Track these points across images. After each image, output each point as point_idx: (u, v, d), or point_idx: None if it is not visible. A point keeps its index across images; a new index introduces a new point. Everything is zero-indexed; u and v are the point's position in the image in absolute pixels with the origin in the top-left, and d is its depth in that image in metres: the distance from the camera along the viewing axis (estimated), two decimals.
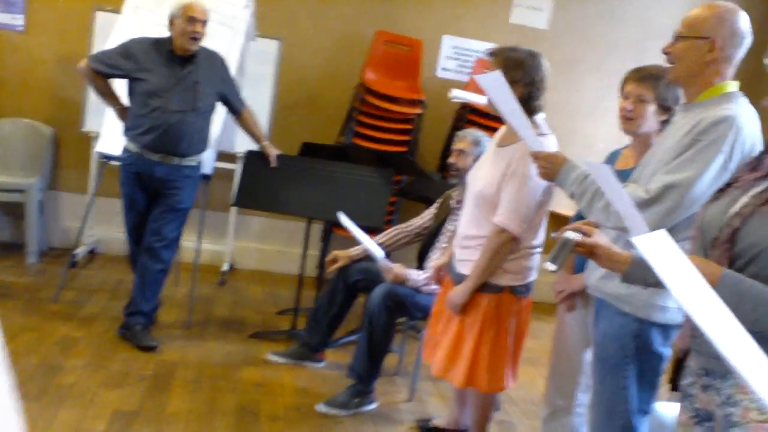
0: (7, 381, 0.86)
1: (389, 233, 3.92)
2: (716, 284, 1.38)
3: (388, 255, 3.75)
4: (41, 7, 5.23)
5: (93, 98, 4.49)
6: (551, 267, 1.74)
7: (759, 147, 1.99)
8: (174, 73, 3.79)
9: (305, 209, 4.20)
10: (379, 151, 4.90)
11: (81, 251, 5.14)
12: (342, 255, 3.84)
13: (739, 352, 1.12)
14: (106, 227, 5.36)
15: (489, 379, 2.79)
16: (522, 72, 2.69)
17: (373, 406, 3.53)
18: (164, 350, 3.82)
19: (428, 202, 4.08)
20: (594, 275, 2.29)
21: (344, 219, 3.66)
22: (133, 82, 3.82)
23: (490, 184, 2.76)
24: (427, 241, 3.79)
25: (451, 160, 3.50)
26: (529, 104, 2.70)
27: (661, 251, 1.20)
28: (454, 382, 2.85)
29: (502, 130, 2.89)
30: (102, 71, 3.83)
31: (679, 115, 2.20)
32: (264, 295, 5.16)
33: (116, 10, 4.68)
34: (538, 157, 2.35)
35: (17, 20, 5.21)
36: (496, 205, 2.73)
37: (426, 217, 3.90)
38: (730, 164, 2.00)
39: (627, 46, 5.80)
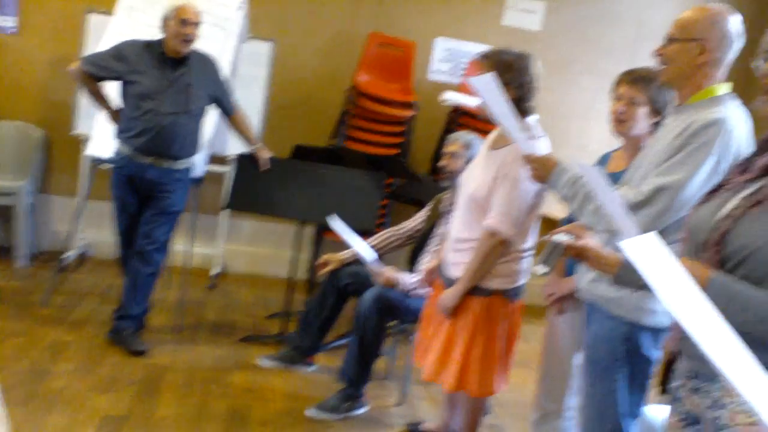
0: None
1: (380, 236, 3.90)
2: (706, 286, 1.38)
3: (379, 258, 3.73)
4: (34, 9, 5.21)
5: (84, 101, 4.47)
6: (542, 270, 1.74)
7: (749, 149, 1.98)
8: (166, 76, 3.77)
9: (297, 212, 4.19)
10: (371, 153, 4.89)
11: (71, 255, 5.11)
12: (333, 258, 3.83)
13: (726, 355, 1.11)
14: (96, 231, 5.33)
15: (479, 382, 2.78)
16: (512, 74, 2.68)
17: (363, 410, 3.51)
18: (154, 354, 3.80)
19: (420, 205, 4.07)
20: (584, 278, 2.29)
21: (335, 222, 3.65)
22: (125, 84, 3.80)
23: (481, 186, 2.75)
24: (418, 244, 3.78)
25: (443, 162, 3.49)
26: (521, 106, 2.69)
27: (649, 254, 1.19)
28: (445, 386, 2.84)
29: (495, 132, 2.88)
30: (94, 73, 3.81)
31: (671, 118, 2.21)
32: (254, 298, 5.14)
33: (108, 12, 4.67)
34: (529, 159, 2.35)
35: (9, 22, 5.19)
36: (488, 208, 2.72)
37: (417, 220, 3.88)
38: (720, 166, 2.01)
39: (619, 48, 5.81)
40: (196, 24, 3.77)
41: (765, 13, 5.64)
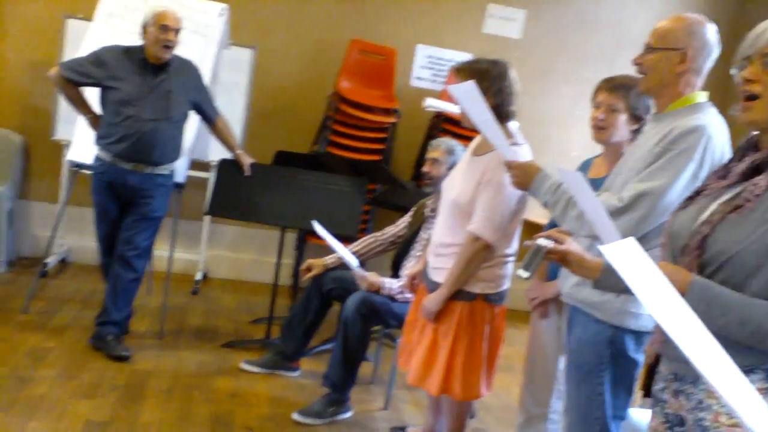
0: None
1: (363, 242, 3.92)
2: (686, 291, 1.40)
3: (362, 263, 3.75)
4: (12, 15, 5.18)
5: (64, 106, 4.45)
6: (524, 274, 1.76)
7: (728, 155, 2.03)
8: (147, 82, 3.77)
9: (279, 218, 4.19)
10: (354, 159, 4.91)
11: (52, 261, 5.07)
12: (316, 263, 3.84)
13: (707, 358, 1.14)
14: (77, 236, 5.31)
15: (464, 386, 2.80)
16: (488, 82, 2.71)
17: (348, 415, 3.52)
18: (137, 360, 3.78)
19: (403, 211, 4.09)
20: (568, 283, 2.30)
21: (318, 227, 3.66)
22: (105, 90, 3.79)
23: (464, 192, 2.77)
24: (401, 249, 3.80)
25: (425, 168, 3.52)
26: (501, 111, 2.71)
27: (630, 259, 1.22)
28: (430, 390, 2.85)
29: (478, 139, 2.90)
30: (73, 79, 3.79)
31: (650, 125, 2.24)
32: (237, 304, 5.13)
33: (88, 18, 4.65)
34: (511, 166, 2.37)
35: None
36: (471, 214, 2.74)
37: (400, 225, 3.91)
38: (700, 173, 2.04)
39: (599, 56, 5.88)
40: (176, 30, 3.77)
41: (740, 22, 5.74)
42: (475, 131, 2.71)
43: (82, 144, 4.25)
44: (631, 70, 2.27)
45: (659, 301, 1.18)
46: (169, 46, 3.76)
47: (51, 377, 3.45)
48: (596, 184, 2.37)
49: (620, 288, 1.62)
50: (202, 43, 4.51)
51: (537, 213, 4.31)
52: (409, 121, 5.50)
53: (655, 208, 2.05)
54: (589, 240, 2.12)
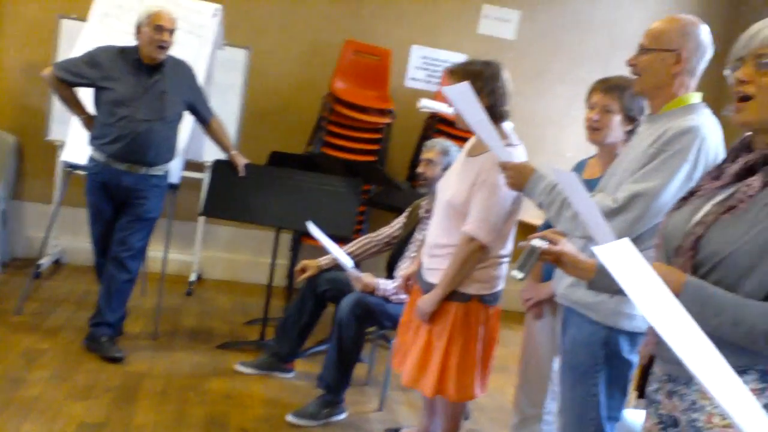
0: None
1: (358, 242, 3.92)
2: (680, 291, 1.41)
3: (357, 264, 3.75)
4: (6, 15, 5.17)
5: (58, 106, 4.43)
6: (518, 275, 1.75)
7: (722, 156, 2.03)
8: (141, 82, 3.76)
9: (274, 219, 4.19)
10: (348, 160, 4.90)
11: (45, 262, 5.06)
12: (311, 264, 3.84)
13: (700, 359, 1.14)
14: (71, 237, 5.30)
15: (458, 387, 2.80)
16: (481, 83, 2.71)
17: (343, 416, 3.52)
18: (131, 361, 3.77)
19: (397, 212, 4.09)
20: (562, 283, 2.30)
21: (313, 228, 3.66)
22: (99, 90, 3.78)
23: (459, 193, 2.77)
24: (396, 250, 3.80)
25: (420, 169, 3.52)
26: (495, 112, 2.72)
27: (623, 260, 1.22)
28: (424, 391, 2.85)
29: (473, 139, 2.91)
30: (67, 80, 3.78)
31: (644, 126, 2.24)
32: (232, 305, 5.13)
33: (82, 18, 4.64)
34: (506, 167, 2.36)
35: None
36: (466, 214, 2.74)
37: (395, 226, 3.91)
38: (695, 173, 2.04)
39: (594, 56, 5.89)
40: (171, 30, 3.76)
41: (733, 23, 5.75)
42: (469, 132, 2.71)
43: (76, 144, 4.23)
44: (625, 71, 2.27)
45: (653, 302, 1.18)
46: (163, 47, 3.76)
47: (45, 379, 3.44)
48: (591, 184, 2.38)
49: (614, 289, 1.61)
50: (197, 43, 4.51)
51: (531, 214, 4.31)
52: (403, 122, 5.51)
53: (650, 209, 2.05)
54: (584, 241, 2.12)
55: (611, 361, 2.19)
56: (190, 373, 3.77)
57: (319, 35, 5.59)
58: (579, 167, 2.90)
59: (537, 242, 1.77)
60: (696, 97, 2.16)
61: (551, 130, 5.91)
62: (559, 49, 5.93)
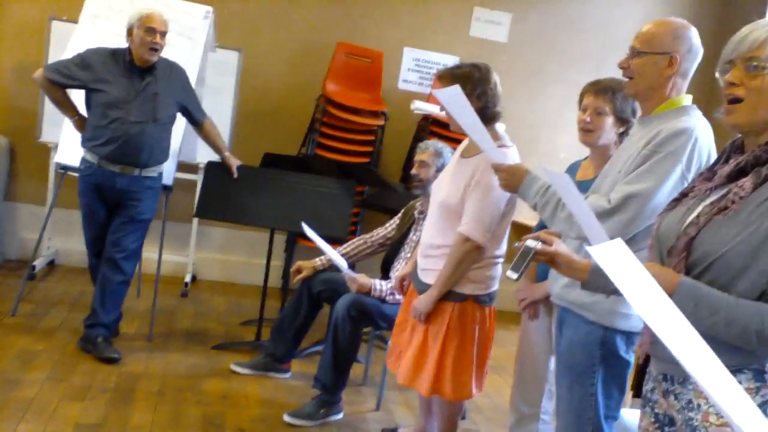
0: None
1: (353, 243, 3.94)
2: (673, 291, 1.42)
3: (352, 265, 3.77)
4: None
5: (50, 108, 4.43)
6: (513, 275, 1.77)
7: (714, 157, 2.05)
8: (133, 84, 3.76)
9: (268, 220, 4.20)
10: (342, 162, 4.92)
11: (39, 263, 5.05)
12: (306, 265, 3.85)
13: (695, 358, 1.15)
14: (65, 239, 5.29)
15: (454, 387, 2.82)
16: (471, 86, 2.73)
17: (339, 417, 3.53)
18: (127, 362, 3.78)
19: (392, 213, 4.11)
20: (557, 284, 2.31)
21: (308, 229, 3.67)
22: (91, 92, 3.78)
23: (453, 193, 2.80)
24: (391, 251, 3.82)
25: (414, 171, 3.54)
26: (487, 113, 2.74)
27: (618, 260, 1.23)
28: (420, 391, 2.87)
29: (466, 140, 2.93)
30: (58, 82, 3.78)
31: (636, 128, 2.26)
32: (227, 306, 5.13)
33: (73, 20, 4.64)
34: (499, 169, 2.37)
35: None
36: (460, 215, 2.77)
37: (390, 227, 3.92)
38: (688, 174, 2.06)
39: (586, 57, 5.92)
40: (163, 32, 3.76)
41: (723, 25, 5.80)
42: (463, 134, 2.73)
43: (68, 146, 4.23)
44: (618, 73, 2.29)
45: (647, 302, 1.20)
46: (155, 49, 3.76)
47: (40, 380, 3.44)
48: (584, 186, 2.39)
49: (609, 289, 1.64)
50: (188, 45, 4.51)
51: (526, 215, 4.35)
52: (396, 124, 5.52)
53: (644, 210, 2.07)
54: (579, 242, 2.14)
55: (608, 360, 2.20)
56: (186, 374, 3.77)
57: (311, 37, 5.61)
58: (572, 169, 2.92)
59: (531, 243, 1.79)
60: (687, 99, 2.18)
61: (544, 132, 5.94)
62: (551, 50, 5.96)
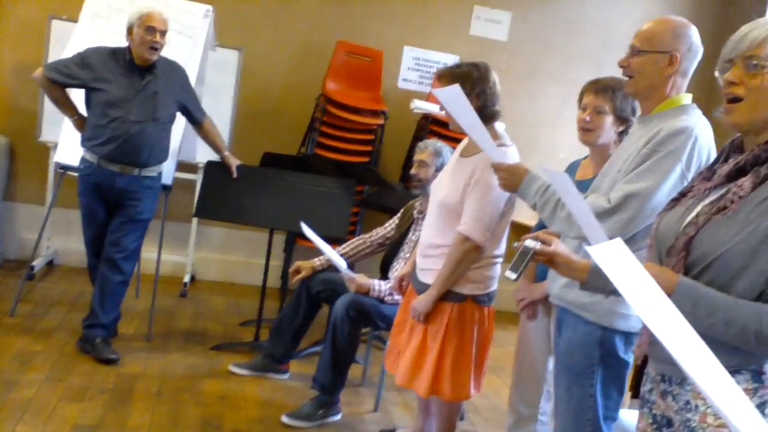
0: None
1: (352, 243, 3.93)
2: (672, 291, 1.42)
3: (351, 265, 3.76)
4: None
5: (50, 107, 4.42)
6: (511, 276, 1.76)
7: (714, 157, 2.04)
8: (133, 84, 3.76)
9: (267, 220, 4.19)
10: (341, 161, 4.91)
11: (38, 263, 5.05)
12: (305, 266, 3.84)
13: (693, 359, 1.15)
14: (64, 238, 5.29)
15: (453, 387, 2.81)
16: (470, 85, 2.73)
17: (338, 417, 3.52)
18: (125, 363, 3.77)
19: (391, 212, 4.10)
20: (556, 284, 2.30)
21: (307, 229, 3.66)
22: (90, 92, 3.78)
23: (452, 193, 2.79)
24: (390, 251, 3.81)
25: (413, 171, 3.53)
26: (486, 112, 2.74)
27: (617, 260, 1.23)
28: (419, 391, 2.86)
29: (466, 140, 2.92)
30: (58, 81, 3.77)
31: (636, 127, 2.25)
32: (226, 306, 5.13)
33: (73, 19, 4.64)
34: (499, 168, 2.36)
35: None
36: (460, 214, 2.76)
37: (389, 227, 3.91)
38: (688, 174, 2.05)
39: (586, 56, 5.91)
40: (163, 31, 3.76)
41: (722, 24, 5.78)
42: (462, 133, 2.72)
43: (68, 146, 4.23)
44: (617, 72, 2.28)
45: (646, 302, 1.19)
46: (155, 48, 3.75)
47: (39, 380, 3.43)
48: (583, 185, 2.38)
49: (608, 289, 1.63)
50: (188, 44, 4.50)
51: (525, 214, 4.33)
52: (396, 123, 5.52)
53: (643, 210, 2.06)
54: (578, 241, 2.13)
55: (607, 361, 2.19)
56: (184, 375, 3.77)
57: (311, 36, 5.60)
58: (572, 168, 2.91)
59: (530, 243, 1.78)
60: (687, 98, 2.17)
61: (544, 131, 5.93)
62: (551, 49, 5.95)
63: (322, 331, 4.14)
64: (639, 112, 2.32)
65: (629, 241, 1.69)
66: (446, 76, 2.78)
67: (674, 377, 1.56)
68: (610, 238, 1.37)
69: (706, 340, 1.17)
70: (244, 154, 4.51)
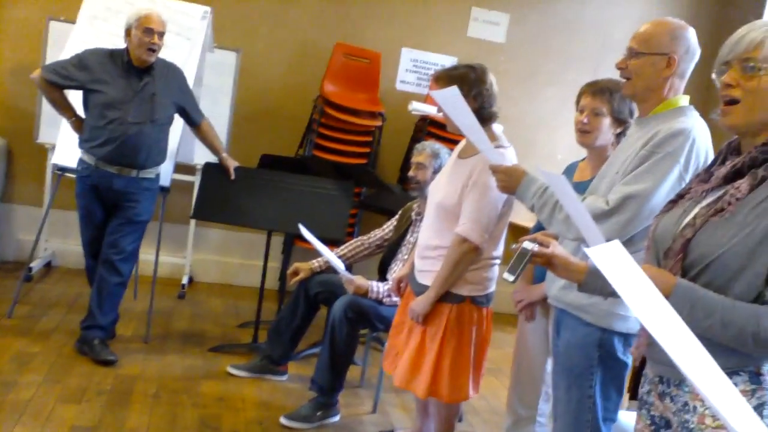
0: None
1: (350, 245, 3.93)
2: (670, 293, 1.42)
3: (349, 267, 3.76)
4: None
5: (47, 109, 4.42)
6: (509, 278, 1.76)
7: (711, 158, 2.05)
8: (131, 85, 3.76)
9: (265, 222, 4.19)
10: (339, 163, 4.91)
11: (36, 265, 5.04)
12: (303, 267, 3.84)
13: (691, 360, 1.15)
14: (62, 240, 5.28)
15: (451, 389, 2.81)
16: (467, 86, 2.73)
17: (336, 419, 3.52)
18: (123, 364, 3.77)
19: (389, 214, 4.10)
20: (555, 286, 2.31)
21: (305, 231, 3.66)
22: (88, 93, 3.77)
23: (450, 194, 2.79)
24: (388, 252, 3.81)
25: (411, 173, 3.54)
26: (484, 114, 2.74)
27: (615, 261, 1.23)
28: (417, 393, 2.86)
29: (463, 141, 2.92)
30: (56, 82, 3.77)
31: (634, 128, 2.25)
32: (224, 308, 5.12)
33: (71, 20, 4.64)
34: (497, 170, 2.36)
35: None
36: (457, 216, 2.76)
37: (387, 228, 3.92)
38: (686, 175, 2.05)
39: (584, 58, 5.92)
40: (161, 33, 3.76)
41: (719, 26, 5.79)
42: (460, 135, 2.73)
43: (66, 147, 4.22)
44: (615, 73, 2.29)
45: (644, 304, 1.20)
46: (153, 49, 3.75)
47: (36, 382, 3.43)
48: (581, 187, 2.39)
49: (606, 291, 1.64)
50: (186, 46, 4.50)
51: (523, 216, 4.34)
52: (394, 125, 5.52)
53: (642, 211, 2.06)
54: (576, 243, 2.13)
55: (606, 362, 2.19)
56: (182, 376, 3.76)
57: (309, 38, 5.60)
58: (569, 170, 2.92)
59: (528, 245, 1.78)
60: (684, 100, 2.17)
61: (542, 133, 5.94)
62: (549, 51, 5.96)
63: (320, 332, 4.13)
64: (637, 113, 2.33)
65: (627, 243, 1.70)
66: (443, 78, 2.78)
67: (672, 379, 1.56)
68: (608, 239, 1.37)
69: (704, 342, 1.17)
70: (242, 156, 4.51)
